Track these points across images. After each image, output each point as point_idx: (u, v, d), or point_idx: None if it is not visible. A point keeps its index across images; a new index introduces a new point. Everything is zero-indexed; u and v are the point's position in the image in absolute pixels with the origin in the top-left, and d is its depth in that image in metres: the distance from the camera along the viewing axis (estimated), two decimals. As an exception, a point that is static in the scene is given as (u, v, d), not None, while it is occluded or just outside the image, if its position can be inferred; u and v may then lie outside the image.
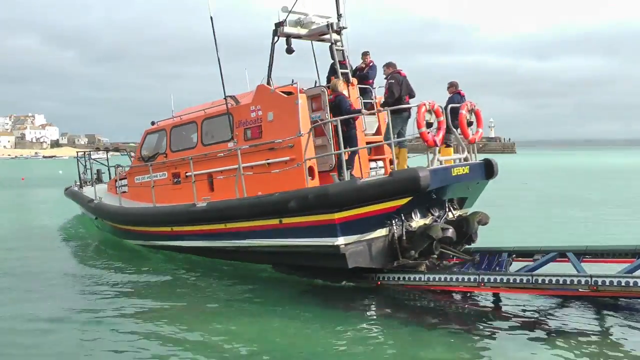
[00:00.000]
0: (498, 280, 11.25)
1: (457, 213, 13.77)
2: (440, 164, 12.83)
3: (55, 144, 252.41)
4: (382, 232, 12.37)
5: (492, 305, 11.65)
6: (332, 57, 15.13)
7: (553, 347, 9.16)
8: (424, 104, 12.42)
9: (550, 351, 9.05)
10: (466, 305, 11.77)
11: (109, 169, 22.53)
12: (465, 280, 11.62)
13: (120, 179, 19.49)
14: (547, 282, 10.69)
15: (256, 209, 13.50)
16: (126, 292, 13.59)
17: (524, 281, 10.91)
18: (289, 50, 14.95)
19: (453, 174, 12.84)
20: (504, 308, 11.44)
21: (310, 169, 13.36)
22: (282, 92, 14.12)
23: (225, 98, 14.93)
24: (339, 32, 15.23)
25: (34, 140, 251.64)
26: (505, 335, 9.92)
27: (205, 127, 16.14)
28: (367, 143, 14.59)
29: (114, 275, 15.40)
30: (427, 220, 12.88)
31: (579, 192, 37.27)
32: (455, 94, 15.34)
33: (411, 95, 14.15)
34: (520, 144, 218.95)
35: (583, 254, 12.77)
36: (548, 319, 10.66)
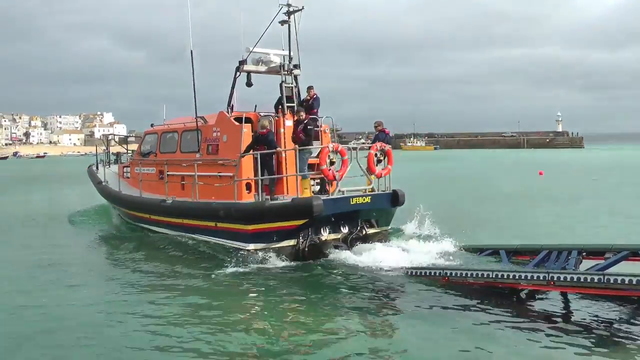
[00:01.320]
0: (568, 279, 10.97)
1: (371, 230, 16.70)
2: (343, 194, 16.09)
3: (123, 141, 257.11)
4: (290, 242, 15.36)
5: (560, 305, 11.46)
6: (281, 92, 17.95)
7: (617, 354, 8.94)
8: (327, 147, 15.59)
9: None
10: (533, 304, 11.64)
11: (126, 154, 25.98)
12: (535, 278, 11.41)
13: (125, 167, 23.60)
14: (619, 281, 10.29)
15: (200, 212, 17.12)
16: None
17: (595, 280, 10.57)
18: (248, 84, 18.10)
19: (352, 203, 15.81)
20: (571, 308, 11.25)
21: (248, 185, 16.34)
22: (238, 118, 17.14)
23: (196, 117, 18.22)
24: (289, 72, 18.11)
25: (102, 138, 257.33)
26: (570, 338, 9.64)
27: (182, 138, 19.58)
28: (309, 165, 16.81)
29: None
30: (338, 236, 16.08)
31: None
32: (381, 132, 17.99)
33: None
34: (589, 138, 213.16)
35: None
36: (615, 322, 10.39)
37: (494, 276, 12.05)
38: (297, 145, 16.16)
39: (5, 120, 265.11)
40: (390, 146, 17.29)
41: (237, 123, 17.03)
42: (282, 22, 18.02)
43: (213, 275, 14.17)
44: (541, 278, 11.30)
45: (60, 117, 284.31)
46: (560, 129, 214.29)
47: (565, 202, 29.97)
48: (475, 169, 69.44)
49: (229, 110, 17.79)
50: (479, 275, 12.31)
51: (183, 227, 17.96)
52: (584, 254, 13.35)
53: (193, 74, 17.78)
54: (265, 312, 11.57)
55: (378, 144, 16.68)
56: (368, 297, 12.17)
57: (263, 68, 18.26)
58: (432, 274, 13.20)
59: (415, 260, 14.82)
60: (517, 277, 11.71)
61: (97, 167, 27.24)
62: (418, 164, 79.94)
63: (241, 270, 14.45)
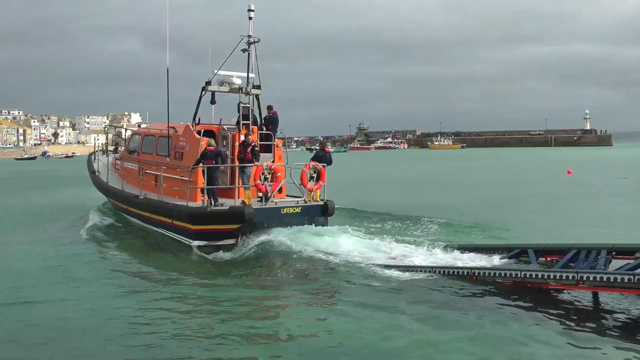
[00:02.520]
0: (597, 279, 10.86)
1: None
2: (275, 204, 18.32)
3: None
4: (230, 241, 17.62)
5: (589, 305, 11.38)
6: (238, 111, 20.12)
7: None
8: (262, 166, 17.99)
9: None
10: (562, 304, 11.50)
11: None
12: (564, 277, 11.33)
13: (117, 160, 26.14)
14: (650, 281, 10.15)
15: (161, 209, 19.51)
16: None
17: (625, 280, 10.45)
18: (212, 102, 20.85)
19: (282, 212, 18.23)
20: (601, 309, 11.16)
21: (209, 192, 18.14)
22: (200, 130, 19.80)
23: (168, 127, 20.88)
24: (247, 94, 20.44)
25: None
26: (599, 338, 9.59)
27: (159, 142, 22.02)
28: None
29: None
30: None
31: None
32: (321, 149, 20.71)
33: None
34: (617, 135, 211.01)
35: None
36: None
37: (522, 276, 12.02)
38: (238, 164, 18.80)
39: (34, 122, 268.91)
40: (325, 165, 19.52)
41: (197, 136, 19.65)
42: (244, 50, 20.33)
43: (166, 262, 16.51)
44: (570, 278, 11.22)
45: (88, 117, 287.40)
46: (588, 127, 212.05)
47: (595, 201, 29.73)
48: (503, 167, 69.05)
49: (194, 123, 20.52)
50: (508, 275, 12.28)
51: (150, 220, 20.56)
52: (614, 253, 13.11)
53: (168, 88, 20.27)
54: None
55: (312, 164, 19.18)
56: (394, 296, 12.20)
57: (226, 88, 20.59)
58: (461, 273, 13.18)
59: (442, 259, 14.88)
60: (545, 277, 11.66)
61: (94, 157, 29.54)
62: (446, 163, 79.55)
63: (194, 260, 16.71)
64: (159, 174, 20.38)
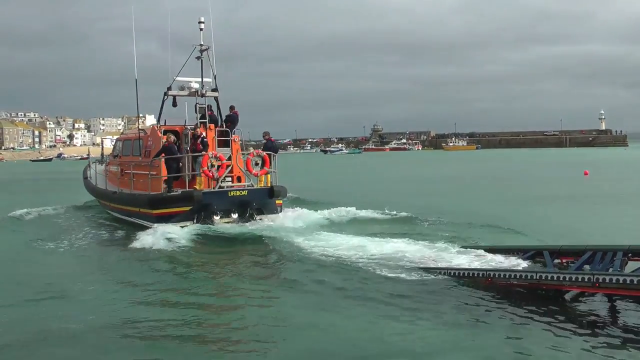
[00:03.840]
0: (614, 281, 10.70)
1: (260, 217, 21.51)
2: (222, 188, 21.28)
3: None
4: (187, 223, 20.35)
5: (605, 307, 11.28)
6: (195, 111, 22.89)
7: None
8: (208, 155, 21.03)
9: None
10: (577, 306, 11.41)
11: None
12: (579, 280, 11.20)
13: (106, 165, 28.16)
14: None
15: (130, 201, 22.58)
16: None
17: (642, 282, 10.26)
18: (174, 105, 23.65)
19: (229, 195, 21.00)
20: (617, 311, 11.06)
21: (165, 181, 21.29)
22: (166, 130, 22.47)
23: (138, 130, 24.75)
24: (202, 96, 23.25)
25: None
26: (615, 341, 9.50)
27: (133, 145, 24.53)
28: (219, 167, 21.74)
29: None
30: (229, 220, 21.03)
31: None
32: (268, 140, 23.91)
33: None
34: (633, 136, 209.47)
35: None
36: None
37: (537, 277, 11.93)
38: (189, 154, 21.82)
39: (50, 123, 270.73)
40: (270, 152, 22.89)
41: (160, 135, 22.31)
42: (198, 58, 23.46)
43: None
44: (586, 280, 11.07)
45: (103, 119, 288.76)
46: (603, 127, 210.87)
47: (611, 202, 29.55)
48: (518, 168, 68.80)
49: (159, 124, 23.49)
50: (523, 277, 12.20)
51: (124, 211, 23.41)
52: (630, 255, 13.01)
53: (137, 97, 23.32)
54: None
55: (255, 152, 22.64)
56: (408, 298, 12.15)
57: (185, 92, 23.36)
58: (475, 274, 13.09)
59: (458, 261, 14.84)
60: (561, 279, 11.53)
61: (89, 165, 31.86)
62: (460, 164, 79.35)
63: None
64: (134, 171, 23.12)
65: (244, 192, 21.36)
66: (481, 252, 15.61)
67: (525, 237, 18.31)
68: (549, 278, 11.72)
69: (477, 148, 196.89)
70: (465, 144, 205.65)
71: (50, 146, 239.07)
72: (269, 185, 22.31)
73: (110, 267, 16.12)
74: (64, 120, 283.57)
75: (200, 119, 22.69)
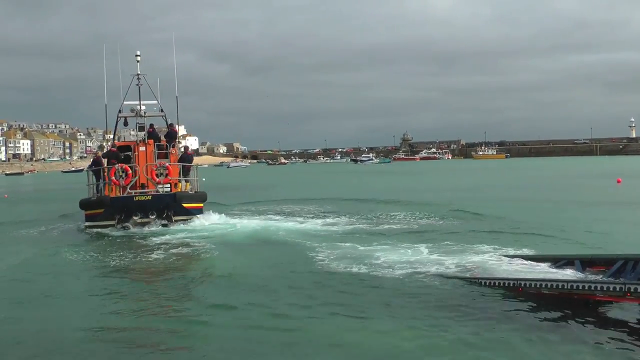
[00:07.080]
0: (646, 290, 10.45)
1: (177, 218, 25.02)
2: (129, 194, 24.97)
3: (195, 153, 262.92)
4: (110, 222, 24.40)
5: (637, 318, 11.12)
6: (135, 129, 27.93)
7: None
8: (115, 168, 25.36)
9: None
10: (609, 316, 11.31)
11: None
12: (611, 289, 11.00)
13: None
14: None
15: (94, 205, 25.41)
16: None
17: (675, 292, 9.92)
18: (125, 123, 29.26)
19: (135, 199, 24.73)
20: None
21: (114, 186, 25.26)
22: (120, 146, 27.76)
23: (111, 146, 28.21)
24: (142, 116, 28.06)
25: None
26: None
27: (110, 157, 27.00)
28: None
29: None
30: (148, 220, 24.60)
31: None
32: (184, 153, 28.03)
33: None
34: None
35: None
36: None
37: (568, 287, 11.78)
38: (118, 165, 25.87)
39: (80, 135, 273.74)
40: (185, 163, 27.37)
41: (114, 150, 26.97)
42: (137, 85, 28.34)
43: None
44: (617, 289, 10.84)
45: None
46: (633, 135, 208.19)
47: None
48: (550, 176, 68.21)
49: (113, 142, 28.54)
50: (554, 286, 12.10)
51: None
52: (663, 264, 12.93)
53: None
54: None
55: (158, 163, 26.23)
56: (437, 307, 12.15)
57: (133, 114, 28.18)
58: (506, 284, 12.99)
59: (488, 270, 14.83)
60: (592, 288, 11.33)
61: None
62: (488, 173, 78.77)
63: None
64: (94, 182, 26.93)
65: (148, 197, 24.86)
66: (512, 260, 15.56)
67: (558, 246, 18.20)
68: (580, 287, 11.60)
69: (506, 157, 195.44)
70: (494, 153, 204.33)
71: (81, 157, 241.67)
72: (183, 190, 26.28)
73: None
74: (95, 131, 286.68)
75: (142, 135, 27.26)
